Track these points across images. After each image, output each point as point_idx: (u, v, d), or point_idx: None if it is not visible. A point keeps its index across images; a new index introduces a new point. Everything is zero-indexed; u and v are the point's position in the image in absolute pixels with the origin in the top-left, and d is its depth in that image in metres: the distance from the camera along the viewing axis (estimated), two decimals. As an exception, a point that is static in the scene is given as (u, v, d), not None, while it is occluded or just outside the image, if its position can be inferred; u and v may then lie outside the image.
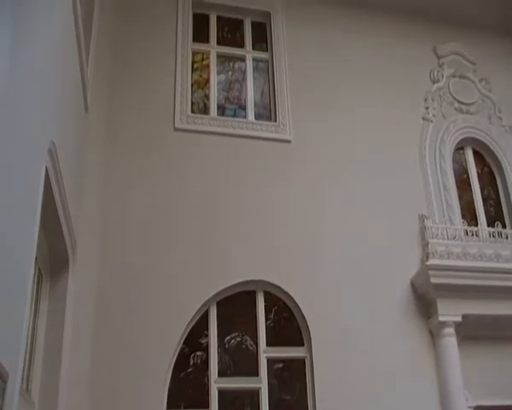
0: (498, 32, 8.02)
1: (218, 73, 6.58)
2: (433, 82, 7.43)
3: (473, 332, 5.97)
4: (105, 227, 5.20)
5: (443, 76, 7.51)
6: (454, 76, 7.58)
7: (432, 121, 7.14)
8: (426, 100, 7.24)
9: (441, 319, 5.78)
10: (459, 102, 7.41)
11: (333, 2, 7.31)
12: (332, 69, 6.96)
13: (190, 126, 6.04)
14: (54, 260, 4.05)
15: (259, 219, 5.82)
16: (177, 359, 5.04)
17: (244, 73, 6.66)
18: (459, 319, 5.84)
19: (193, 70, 6.44)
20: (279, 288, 5.54)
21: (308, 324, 5.46)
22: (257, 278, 5.51)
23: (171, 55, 6.36)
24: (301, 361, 5.42)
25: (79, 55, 4.45)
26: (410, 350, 5.72)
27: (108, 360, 4.78)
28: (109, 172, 5.49)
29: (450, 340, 5.77)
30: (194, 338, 5.20)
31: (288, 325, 5.57)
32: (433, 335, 5.87)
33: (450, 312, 5.84)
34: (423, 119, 7.11)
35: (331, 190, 6.25)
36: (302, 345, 5.47)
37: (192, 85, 6.34)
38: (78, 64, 4.47)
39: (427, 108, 7.20)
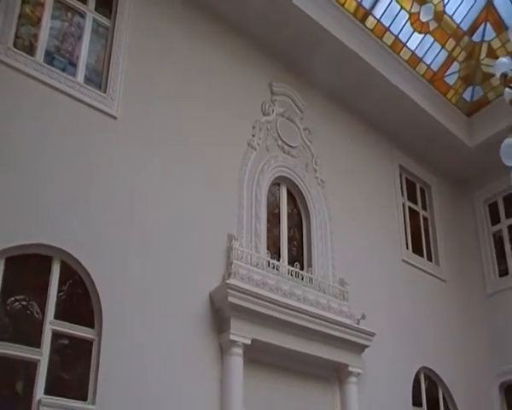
0: (328, 90, 10.30)
1: (53, 17, 7.04)
2: (264, 114, 9.11)
3: (259, 357, 7.35)
4: None
5: (273, 111, 9.25)
6: (283, 116, 9.39)
7: (256, 149, 8.69)
8: (254, 128, 8.83)
9: (232, 337, 6.99)
10: (283, 141, 9.18)
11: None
12: (172, 63, 8.02)
13: (10, 61, 6.38)
14: None
15: (75, 185, 6.39)
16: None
17: (82, 30, 7.32)
18: (248, 341, 7.12)
19: (23, 1, 6.80)
20: (79, 263, 6.12)
21: (102, 308, 6.11)
22: (56, 245, 6.00)
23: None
24: (89, 343, 6.01)
25: None
26: (199, 358, 6.81)
27: None
28: None
29: (237, 359, 6.99)
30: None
31: (81, 302, 6.13)
32: (223, 350, 7.04)
33: (241, 333, 7.10)
34: (248, 144, 8.64)
35: (148, 181, 7.14)
36: (92, 327, 6.08)
37: (19, 17, 6.71)
38: None
39: (253, 135, 8.77)
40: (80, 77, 7.09)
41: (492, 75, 10.26)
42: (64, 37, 7.20)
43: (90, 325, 6.12)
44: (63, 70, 6.96)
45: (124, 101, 7.31)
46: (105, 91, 7.21)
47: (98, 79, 7.32)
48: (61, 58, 7.04)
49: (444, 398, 10.47)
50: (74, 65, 7.13)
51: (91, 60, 7.34)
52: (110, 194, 6.73)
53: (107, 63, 7.41)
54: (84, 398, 5.83)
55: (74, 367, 5.90)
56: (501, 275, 11.76)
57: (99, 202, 6.59)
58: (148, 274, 6.74)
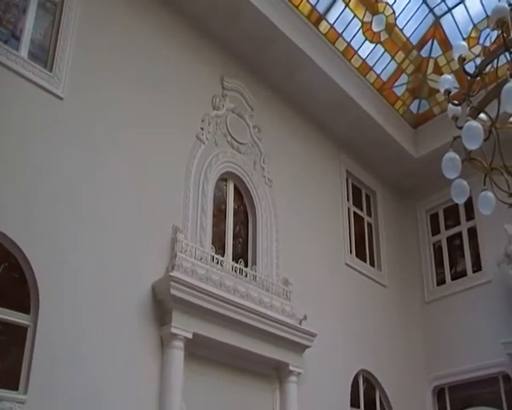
0: (279, 90, 10.20)
1: (-7, -18, 6.68)
2: (214, 108, 8.90)
3: (200, 351, 7.16)
4: None
5: (223, 106, 9.06)
6: (233, 111, 9.21)
7: (204, 143, 8.47)
8: (203, 121, 8.59)
9: (173, 330, 6.77)
10: (232, 137, 9.00)
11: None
12: (123, 48, 7.71)
13: None
14: None
15: (14, 165, 6.02)
16: None
17: (27, 2, 6.86)
18: (190, 335, 6.92)
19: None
20: (15, 245, 5.75)
21: (39, 294, 5.76)
22: (-8, 226, 5.62)
23: None
24: (23, 329, 5.65)
25: None
26: (139, 349, 6.55)
27: None
28: None
29: (177, 352, 6.77)
30: None
31: (16, 286, 5.78)
32: (163, 343, 6.80)
33: (182, 326, 6.89)
34: (197, 137, 8.40)
35: (92, 165, 6.82)
36: (28, 313, 5.72)
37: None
38: None
39: (202, 128, 8.54)
40: (24, 52, 6.68)
41: (438, 90, 10.41)
42: (6, 6, 6.77)
43: (26, 310, 5.76)
44: (5, 42, 6.55)
45: (71, 82, 6.96)
46: (51, 70, 6.84)
47: (44, 56, 6.93)
48: (2, 29, 6.63)
49: (380, 400, 10.53)
50: (18, 38, 6.72)
51: (37, 35, 6.94)
52: (51, 176, 6.39)
53: (55, 41, 7.02)
54: (15, 388, 5.48)
55: (6, 355, 5.54)
56: (438, 284, 12.03)
57: (39, 183, 6.24)
58: (90, 260, 6.44)
